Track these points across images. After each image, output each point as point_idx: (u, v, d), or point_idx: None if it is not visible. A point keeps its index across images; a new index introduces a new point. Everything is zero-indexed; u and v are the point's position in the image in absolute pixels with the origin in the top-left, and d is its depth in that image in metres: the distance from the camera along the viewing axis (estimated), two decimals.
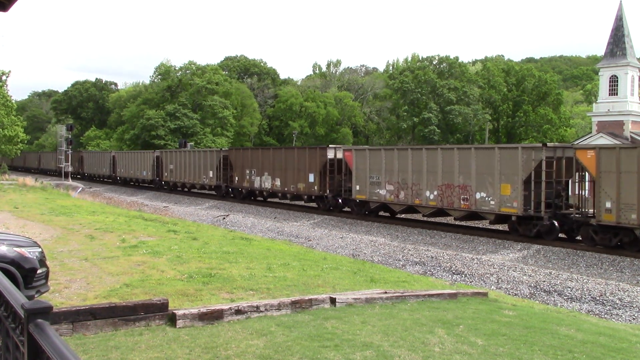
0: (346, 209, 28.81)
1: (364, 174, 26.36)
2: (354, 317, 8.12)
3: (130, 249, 13.77)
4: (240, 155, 36.41)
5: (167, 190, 44.90)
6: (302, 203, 32.20)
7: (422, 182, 23.31)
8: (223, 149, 42.29)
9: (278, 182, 32.31)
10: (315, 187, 29.28)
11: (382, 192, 25.37)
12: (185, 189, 43.72)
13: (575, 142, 43.14)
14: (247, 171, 35.15)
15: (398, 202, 24.73)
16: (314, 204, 31.04)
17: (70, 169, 56.71)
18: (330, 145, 30.46)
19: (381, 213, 27.14)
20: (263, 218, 29.35)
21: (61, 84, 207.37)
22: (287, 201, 32.91)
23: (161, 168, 45.73)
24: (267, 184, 33.31)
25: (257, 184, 34.22)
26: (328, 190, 28.87)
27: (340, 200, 28.65)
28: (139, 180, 50.35)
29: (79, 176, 63.16)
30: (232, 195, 37.33)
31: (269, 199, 35.23)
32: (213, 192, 40.08)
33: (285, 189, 31.61)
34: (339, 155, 28.55)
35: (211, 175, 38.77)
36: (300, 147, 43.47)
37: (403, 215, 27.25)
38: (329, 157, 28.65)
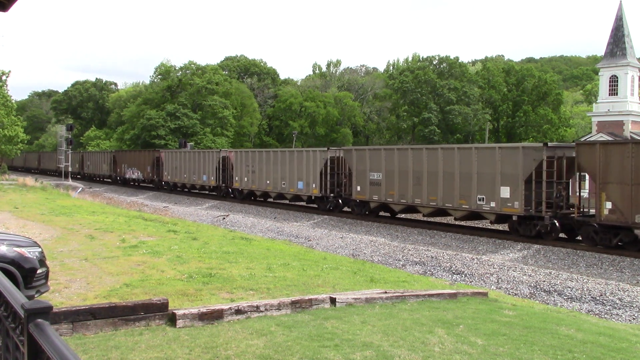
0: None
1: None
2: (354, 317, 8.12)
3: (130, 249, 13.77)
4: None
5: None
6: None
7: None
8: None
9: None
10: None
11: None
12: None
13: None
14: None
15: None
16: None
17: (70, 169, 56.48)
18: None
19: (381, 213, 27.09)
20: (263, 218, 29.35)
21: (61, 84, 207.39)
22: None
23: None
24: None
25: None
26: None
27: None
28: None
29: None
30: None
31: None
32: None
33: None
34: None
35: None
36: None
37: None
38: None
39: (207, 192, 40.90)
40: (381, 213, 26.97)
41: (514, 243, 20.13)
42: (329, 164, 28.38)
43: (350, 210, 28.15)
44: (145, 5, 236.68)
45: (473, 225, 25.02)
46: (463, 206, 21.79)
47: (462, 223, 24.90)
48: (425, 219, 25.27)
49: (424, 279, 14.45)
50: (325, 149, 29.29)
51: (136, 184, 51.14)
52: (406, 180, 23.90)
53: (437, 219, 25.47)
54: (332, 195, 28.54)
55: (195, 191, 42.70)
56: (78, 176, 62.72)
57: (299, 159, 30.23)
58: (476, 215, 22.10)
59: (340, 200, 28.28)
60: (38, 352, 2.19)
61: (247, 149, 40.33)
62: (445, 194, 22.32)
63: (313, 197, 29.65)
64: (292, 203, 32.26)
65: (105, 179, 57.15)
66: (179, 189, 43.86)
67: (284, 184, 31.30)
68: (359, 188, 26.50)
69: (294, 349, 6.40)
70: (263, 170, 32.97)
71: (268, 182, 32.60)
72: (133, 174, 50.01)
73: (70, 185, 47.20)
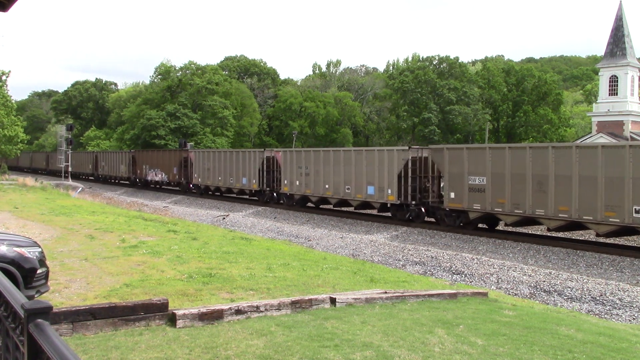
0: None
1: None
2: (354, 317, 8.12)
3: (130, 249, 13.77)
4: None
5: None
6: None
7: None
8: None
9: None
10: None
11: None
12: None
13: (575, 143, 43.12)
14: None
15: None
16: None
17: (70, 169, 56.17)
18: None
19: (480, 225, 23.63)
20: (263, 218, 29.34)
21: (61, 84, 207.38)
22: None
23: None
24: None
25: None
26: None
27: (423, 209, 24.53)
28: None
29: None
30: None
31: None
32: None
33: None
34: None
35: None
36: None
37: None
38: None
39: (246, 196, 36.32)
40: (480, 225, 23.13)
41: (513, 243, 20.13)
42: (410, 165, 24.05)
43: (435, 220, 23.99)
44: (145, 5, 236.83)
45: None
46: (611, 219, 17.41)
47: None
48: (551, 234, 21.51)
49: (424, 279, 14.45)
50: (406, 147, 25.01)
51: (159, 186, 46.51)
52: (523, 186, 19.86)
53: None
54: (413, 202, 24.20)
55: (231, 195, 37.79)
56: (91, 177, 59.32)
57: (369, 160, 25.80)
58: (368, 204, 25.67)
59: (422, 209, 24.24)
60: (38, 352, 2.19)
61: (299, 149, 36.20)
62: (583, 203, 18.13)
63: (389, 205, 25.46)
64: (359, 211, 28.15)
65: (122, 182, 53.12)
66: (210, 192, 39.53)
67: (348, 188, 26.92)
68: (452, 195, 22.25)
69: (294, 349, 6.40)
70: (320, 172, 28.51)
71: (327, 186, 28.13)
72: (156, 175, 45.51)
73: (70, 185, 47.18)
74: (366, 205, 26.80)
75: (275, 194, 32.37)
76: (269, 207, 32.02)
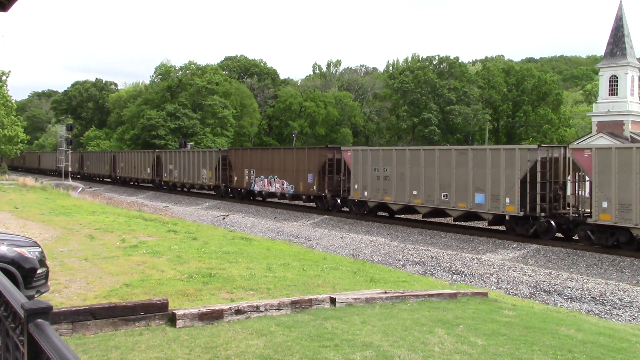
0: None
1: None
2: (354, 317, 8.12)
3: (130, 249, 13.77)
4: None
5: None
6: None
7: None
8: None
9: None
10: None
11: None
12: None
13: (575, 143, 43.19)
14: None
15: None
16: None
17: (70, 169, 56.22)
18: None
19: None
20: (263, 218, 29.32)
21: (61, 84, 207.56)
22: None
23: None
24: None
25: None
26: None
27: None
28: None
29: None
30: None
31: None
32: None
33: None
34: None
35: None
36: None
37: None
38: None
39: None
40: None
41: (513, 243, 20.14)
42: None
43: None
44: (145, 5, 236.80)
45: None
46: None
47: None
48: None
49: (424, 279, 14.45)
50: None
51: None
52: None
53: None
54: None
55: (273, 201, 33.69)
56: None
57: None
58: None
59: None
60: (38, 352, 2.19)
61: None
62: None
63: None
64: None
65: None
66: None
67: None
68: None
69: (294, 349, 6.40)
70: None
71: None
72: (272, 186, 36.58)
73: (70, 185, 47.19)
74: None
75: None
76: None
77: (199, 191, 42.51)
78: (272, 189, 32.26)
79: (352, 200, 26.84)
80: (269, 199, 34.45)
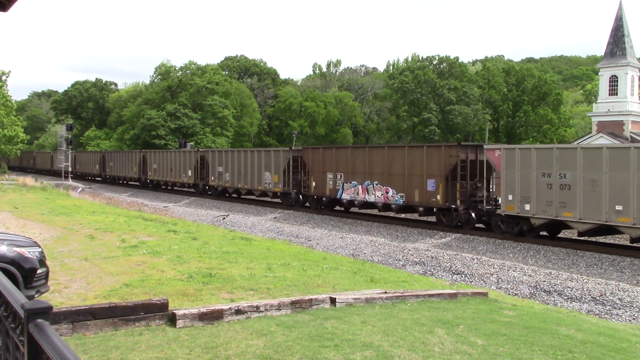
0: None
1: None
2: (354, 317, 8.12)
3: (130, 249, 13.77)
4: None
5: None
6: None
7: None
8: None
9: None
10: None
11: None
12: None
13: (575, 143, 43.20)
14: None
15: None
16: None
17: (70, 169, 56.20)
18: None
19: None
20: (263, 218, 29.31)
21: (61, 84, 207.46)
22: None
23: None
24: None
25: None
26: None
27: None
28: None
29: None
30: None
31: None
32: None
33: None
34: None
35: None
36: None
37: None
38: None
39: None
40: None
41: (513, 243, 20.12)
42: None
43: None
44: (145, 5, 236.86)
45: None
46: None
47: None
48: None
49: (424, 279, 14.46)
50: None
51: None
52: None
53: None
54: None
55: (366, 212, 28.59)
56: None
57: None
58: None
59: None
60: (38, 352, 2.19)
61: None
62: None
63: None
64: (360, 212, 23.70)
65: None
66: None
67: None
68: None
69: (294, 349, 6.40)
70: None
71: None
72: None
73: (70, 185, 47.19)
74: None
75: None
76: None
77: (259, 198, 35.56)
78: (371, 198, 25.96)
79: (501, 216, 20.69)
80: (362, 210, 28.62)
